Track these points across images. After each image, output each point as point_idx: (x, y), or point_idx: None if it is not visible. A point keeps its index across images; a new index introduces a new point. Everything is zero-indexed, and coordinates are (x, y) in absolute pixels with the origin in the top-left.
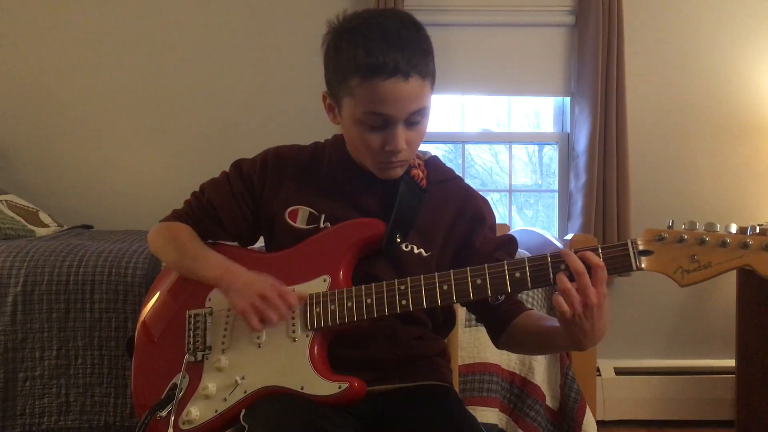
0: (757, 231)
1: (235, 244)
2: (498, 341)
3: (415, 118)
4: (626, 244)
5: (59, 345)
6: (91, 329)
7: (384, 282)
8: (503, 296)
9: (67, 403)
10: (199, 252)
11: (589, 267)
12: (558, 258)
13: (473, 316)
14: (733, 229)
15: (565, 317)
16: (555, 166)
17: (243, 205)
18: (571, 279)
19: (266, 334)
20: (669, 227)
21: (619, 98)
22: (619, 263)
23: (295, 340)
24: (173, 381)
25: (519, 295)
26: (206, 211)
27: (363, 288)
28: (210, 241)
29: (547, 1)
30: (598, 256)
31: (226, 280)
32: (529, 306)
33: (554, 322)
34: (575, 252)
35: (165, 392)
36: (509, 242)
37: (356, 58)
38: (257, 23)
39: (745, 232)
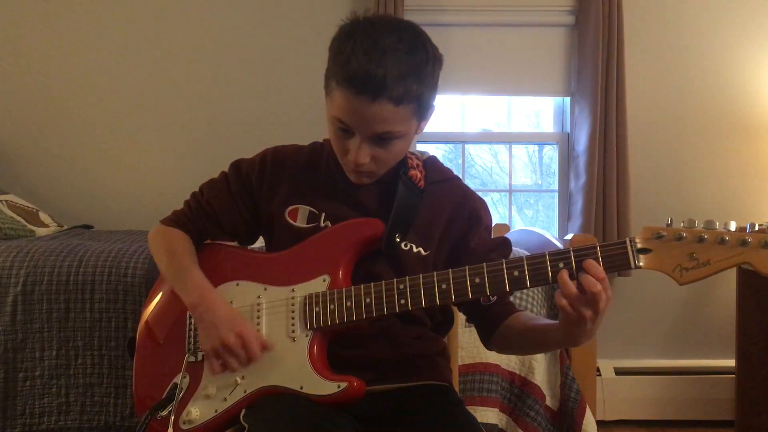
0: (756, 228)
1: (235, 243)
2: (488, 342)
3: (383, 137)
4: (625, 243)
5: (59, 345)
6: (91, 329)
7: (383, 281)
8: (495, 297)
9: (67, 403)
10: (185, 271)
11: (596, 280)
12: (556, 257)
13: None
14: (732, 226)
15: (570, 318)
16: (555, 166)
17: (241, 205)
18: (571, 276)
19: (266, 334)
20: (668, 225)
21: (619, 98)
22: (618, 262)
23: (294, 340)
24: (174, 381)
25: (520, 294)
26: (204, 211)
27: (362, 287)
28: (209, 241)
29: (547, 1)
30: (597, 254)
31: (199, 311)
32: (530, 305)
33: (546, 321)
34: (575, 251)
35: (166, 392)
36: (502, 244)
37: (339, 62)
38: (258, 23)
39: (744, 230)
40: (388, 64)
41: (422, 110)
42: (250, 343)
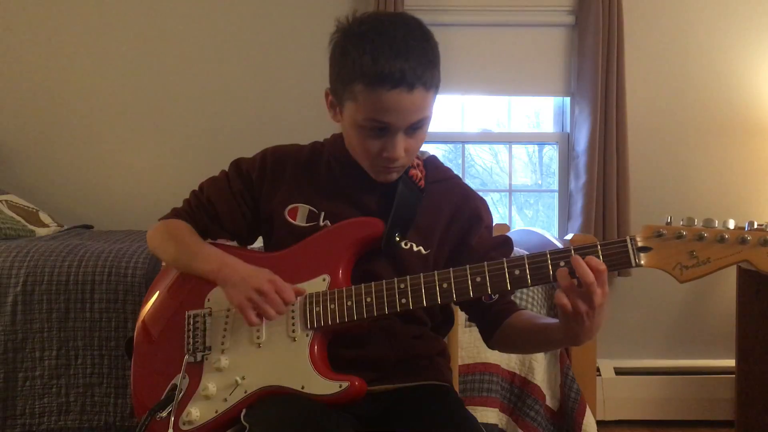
0: (755, 227)
1: (234, 243)
2: (490, 340)
3: (416, 127)
4: (625, 241)
5: (59, 345)
6: (91, 329)
7: (383, 281)
8: (497, 296)
9: (67, 403)
10: (197, 247)
11: (593, 271)
12: (557, 255)
13: None
14: (731, 224)
15: (568, 315)
16: (555, 166)
17: (242, 204)
18: (571, 274)
19: (266, 334)
20: (667, 223)
21: (619, 98)
22: (619, 260)
23: (295, 340)
24: (173, 382)
25: (520, 293)
26: (205, 209)
27: (363, 287)
28: (209, 240)
29: (547, 1)
30: (598, 252)
31: (224, 273)
32: (530, 305)
33: (548, 320)
34: (575, 249)
35: (165, 393)
36: (504, 243)
37: (362, 64)
38: (257, 23)
39: (743, 229)
40: (412, 54)
41: (437, 92)
42: (284, 289)
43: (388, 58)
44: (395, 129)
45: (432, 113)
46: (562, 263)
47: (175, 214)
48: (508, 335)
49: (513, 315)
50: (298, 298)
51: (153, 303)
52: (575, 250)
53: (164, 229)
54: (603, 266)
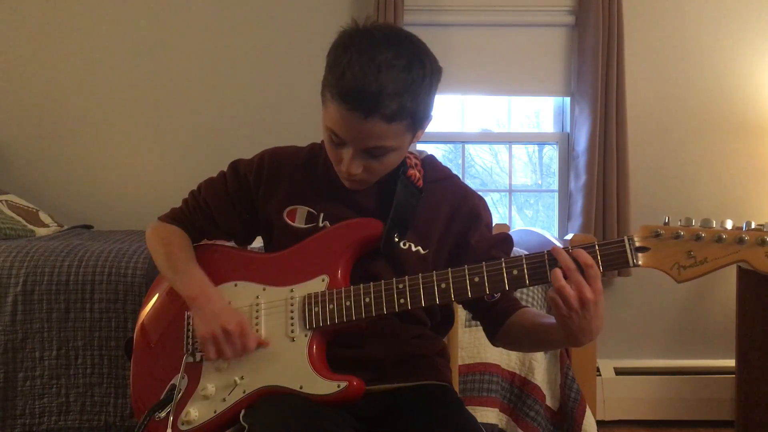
0: (753, 227)
1: (231, 243)
2: (494, 338)
3: (375, 151)
4: (623, 241)
5: (59, 345)
6: (91, 329)
7: (382, 281)
8: (498, 294)
9: (67, 403)
10: (184, 266)
11: (581, 266)
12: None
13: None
14: (729, 224)
15: (561, 312)
16: (555, 166)
17: (238, 205)
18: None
19: (265, 334)
20: (665, 224)
21: (619, 98)
22: (616, 260)
23: (293, 340)
24: (172, 382)
25: (520, 293)
26: (202, 210)
27: (361, 287)
28: (207, 242)
29: (547, 1)
30: (596, 252)
31: (199, 302)
32: (529, 305)
33: (551, 319)
34: (572, 248)
35: (164, 393)
36: (504, 241)
37: (334, 75)
38: (258, 24)
39: (741, 229)
40: (382, 81)
41: (417, 124)
42: (248, 334)
43: (355, 76)
44: (350, 146)
45: (405, 142)
46: (558, 263)
47: (173, 214)
48: (511, 333)
49: (516, 313)
50: (296, 298)
51: (153, 303)
52: (571, 250)
53: (160, 235)
54: (591, 260)
